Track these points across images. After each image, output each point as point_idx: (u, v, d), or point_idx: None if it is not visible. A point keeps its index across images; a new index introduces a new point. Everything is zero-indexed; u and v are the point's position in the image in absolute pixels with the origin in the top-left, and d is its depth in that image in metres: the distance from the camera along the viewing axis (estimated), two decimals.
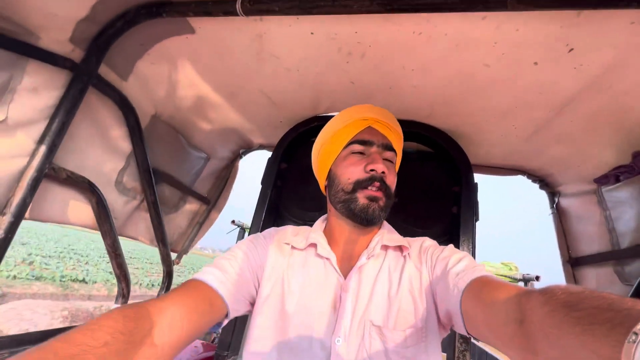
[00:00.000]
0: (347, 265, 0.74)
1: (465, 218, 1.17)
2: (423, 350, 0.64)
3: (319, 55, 1.01)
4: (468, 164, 1.24)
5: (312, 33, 0.92)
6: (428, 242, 0.77)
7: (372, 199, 0.70)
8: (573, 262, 1.25)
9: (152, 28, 0.98)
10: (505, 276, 3.86)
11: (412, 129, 1.27)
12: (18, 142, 0.81)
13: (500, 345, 0.44)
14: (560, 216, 1.34)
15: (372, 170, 0.71)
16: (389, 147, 0.76)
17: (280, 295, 0.71)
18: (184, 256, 1.63)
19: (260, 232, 0.84)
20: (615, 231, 1.02)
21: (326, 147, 0.80)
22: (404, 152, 1.42)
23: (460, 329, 0.58)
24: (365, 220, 0.71)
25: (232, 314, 0.67)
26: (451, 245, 0.73)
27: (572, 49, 0.79)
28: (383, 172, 0.71)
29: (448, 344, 1.08)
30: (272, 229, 0.84)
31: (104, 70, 0.98)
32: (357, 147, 0.75)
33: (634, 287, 0.93)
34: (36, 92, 0.82)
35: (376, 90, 1.13)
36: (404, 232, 0.84)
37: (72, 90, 0.88)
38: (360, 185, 0.71)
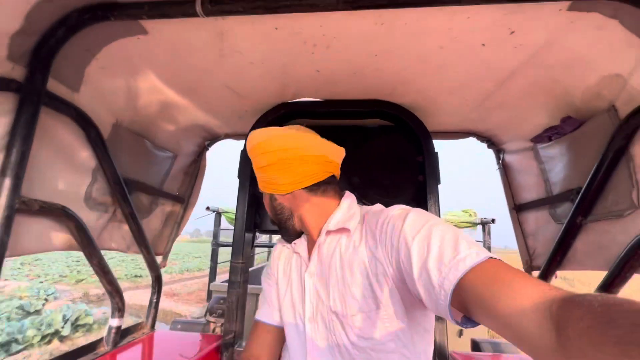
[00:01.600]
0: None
1: (430, 184, 1.32)
2: (389, 333, 0.65)
3: (283, 48, 1.00)
4: (427, 132, 1.36)
5: (276, 28, 0.92)
6: (383, 216, 0.70)
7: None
8: (517, 208, 1.49)
9: (97, 32, 0.90)
10: (467, 222, 4.34)
11: (374, 107, 1.35)
12: None
13: (532, 355, 0.40)
14: (505, 170, 1.55)
15: None
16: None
17: (281, 290, 0.89)
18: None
19: (245, 223, 1.21)
20: (549, 181, 1.24)
21: None
22: (369, 128, 1.52)
23: (451, 321, 0.54)
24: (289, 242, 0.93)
25: None
26: (411, 216, 0.64)
27: (513, 32, 0.90)
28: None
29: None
30: (276, 246, 1.00)
31: (53, 85, 0.89)
32: None
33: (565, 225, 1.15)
34: None
35: (341, 76, 1.17)
36: (378, 202, 0.88)
37: (24, 114, 0.80)
38: None
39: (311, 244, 0.85)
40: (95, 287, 11.15)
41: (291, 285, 0.85)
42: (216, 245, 4.20)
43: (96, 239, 1.17)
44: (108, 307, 1.24)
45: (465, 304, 0.49)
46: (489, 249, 4.09)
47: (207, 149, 1.75)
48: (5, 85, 0.77)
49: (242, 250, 1.32)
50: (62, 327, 5.93)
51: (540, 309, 0.38)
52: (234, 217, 1.48)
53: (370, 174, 1.45)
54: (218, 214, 3.96)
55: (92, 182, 1.08)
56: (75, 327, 6.23)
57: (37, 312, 7.31)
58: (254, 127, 1.40)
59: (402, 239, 0.61)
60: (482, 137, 1.58)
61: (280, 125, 1.46)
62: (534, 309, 0.39)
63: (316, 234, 0.82)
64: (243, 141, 1.40)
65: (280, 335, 0.89)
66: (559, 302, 0.37)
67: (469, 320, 0.52)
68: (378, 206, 0.81)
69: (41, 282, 11.77)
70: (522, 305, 0.40)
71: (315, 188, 0.82)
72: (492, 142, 1.57)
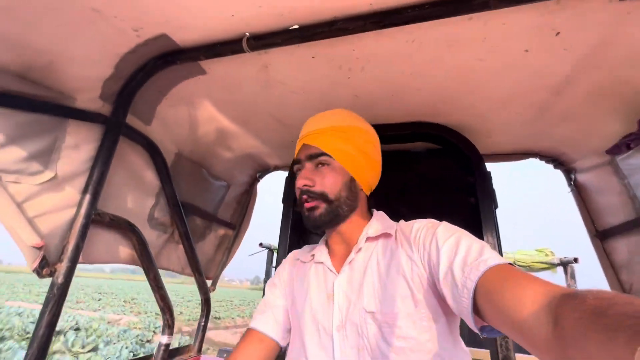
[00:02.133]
0: (342, 263, 0.81)
1: (484, 207, 1.20)
2: (427, 333, 0.64)
3: (321, 75, 1.08)
4: (478, 154, 1.27)
5: (313, 57, 1.00)
6: (417, 224, 0.75)
7: (309, 210, 0.78)
8: (601, 236, 1.25)
9: (167, 75, 1.08)
10: (542, 262, 3.74)
11: (418, 129, 1.33)
12: (66, 194, 0.90)
13: (531, 348, 0.42)
14: (579, 192, 1.34)
15: (298, 187, 0.80)
16: (315, 155, 0.80)
17: (294, 303, 0.84)
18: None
19: (288, 249, 1.03)
20: (637, 198, 1.03)
21: None
22: (413, 152, 1.47)
23: (472, 325, 0.55)
24: (313, 227, 0.80)
25: (284, 343, 0.85)
26: (444, 224, 0.71)
27: (558, 33, 0.84)
28: (306, 185, 0.78)
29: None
30: (287, 257, 0.98)
31: (130, 119, 1.08)
32: (296, 168, 0.86)
33: None
34: (77, 148, 0.92)
35: (379, 98, 1.19)
36: None
37: (107, 142, 0.98)
38: (299, 201, 0.81)
39: (338, 253, 0.84)
40: (185, 324, 13.34)
41: (310, 298, 0.80)
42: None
43: (154, 258, 1.29)
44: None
45: (480, 304, 0.51)
46: None
47: (259, 181, 1.86)
48: (95, 118, 0.96)
49: None
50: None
51: (541, 303, 0.41)
52: None
53: (417, 201, 1.38)
54: (270, 251, 4.05)
55: (155, 204, 1.23)
56: None
57: (149, 341, 9.90)
58: None
59: (433, 242, 0.66)
60: (546, 157, 1.42)
61: None
62: (535, 302, 0.42)
63: (351, 241, 0.82)
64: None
65: (272, 350, 0.83)
66: (558, 297, 0.40)
67: (487, 329, 0.55)
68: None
69: (147, 317, 14.23)
70: (524, 299, 0.44)
71: (369, 201, 0.88)
72: (559, 162, 1.39)
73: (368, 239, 0.79)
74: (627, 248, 1.12)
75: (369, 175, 0.83)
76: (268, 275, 4.18)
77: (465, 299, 0.53)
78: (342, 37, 0.89)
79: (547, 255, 3.84)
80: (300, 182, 0.78)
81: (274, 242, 4.17)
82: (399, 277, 0.69)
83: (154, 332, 10.92)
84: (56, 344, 7.61)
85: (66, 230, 0.89)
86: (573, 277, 3.46)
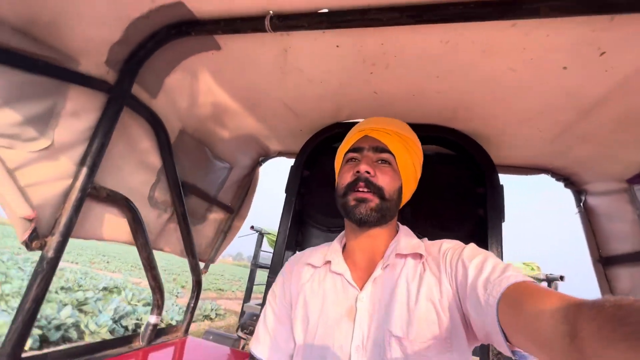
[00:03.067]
0: (364, 277, 0.76)
1: (492, 220, 1.17)
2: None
3: (342, 67, 1.02)
4: (492, 165, 1.23)
5: (337, 46, 0.93)
6: (446, 244, 0.74)
7: (360, 200, 0.73)
8: (604, 262, 1.24)
9: (179, 46, 1.01)
10: (528, 276, 3.81)
11: (432, 132, 1.28)
12: (62, 165, 0.84)
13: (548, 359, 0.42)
14: (588, 215, 1.32)
15: (357, 172, 0.74)
16: (380, 149, 0.78)
17: (304, 314, 0.76)
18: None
19: (287, 239, 0.99)
20: None
21: (335, 162, 0.90)
22: (425, 156, 1.43)
23: (501, 346, 0.53)
24: (358, 221, 0.73)
25: None
26: (471, 245, 0.70)
27: (603, 52, 0.79)
28: (368, 172, 0.73)
29: (481, 349, 1.08)
30: (290, 260, 0.91)
31: (136, 90, 1.01)
32: (351, 155, 0.81)
33: None
34: (77, 116, 0.86)
35: (399, 98, 1.14)
36: (431, 236, 0.85)
37: (109, 112, 0.92)
38: (349, 188, 0.75)
39: (361, 264, 0.78)
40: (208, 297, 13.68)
41: (326, 313, 0.74)
42: (255, 266, 4.23)
43: (154, 239, 1.25)
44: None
45: (503, 322, 0.51)
46: None
47: (261, 165, 1.81)
48: (99, 85, 0.89)
49: (282, 266, 1.29)
50: (211, 312, 9.11)
51: (558, 315, 0.40)
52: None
53: (422, 205, 1.35)
54: (261, 235, 4.05)
55: (156, 182, 1.17)
56: (216, 314, 9.25)
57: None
58: (308, 145, 1.42)
59: (460, 262, 0.66)
60: (558, 175, 1.39)
61: (332, 144, 1.47)
62: (553, 315, 0.41)
63: (377, 250, 0.78)
64: (294, 159, 1.43)
65: None
66: (575, 308, 0.38)
67: (519, 354, 0.55)
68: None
69: (166, 283, 14.70)
70: (543, 313, 0.43)
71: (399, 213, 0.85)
72: (570, 181, 1.37)
73: (397, 255, 0.75)
74: (630, 278, 1.12)
75: (410, 189, 0.83)
76: (256, 258, 4.19)
77: (489, 316, 0.53)
78: (373, 28, 0.83)
79: (533, 269, 3.90)
80: (363, 167, 0.74)
81: (264, 226, 4.16)
82: (428, 303, 0.66)
83: (176, 296, 11.14)
84: (119, 295, 8.13)
85: (59, 203, 0.84)
86: None
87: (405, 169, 0.79)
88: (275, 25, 0.86)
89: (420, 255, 0.74)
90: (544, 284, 3.69)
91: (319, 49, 0.95)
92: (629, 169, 1.06)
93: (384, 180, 0.75)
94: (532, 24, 0.75)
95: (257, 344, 0.80)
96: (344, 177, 0.78)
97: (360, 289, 0.73)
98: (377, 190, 0.74)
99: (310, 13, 0.83)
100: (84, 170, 0.87)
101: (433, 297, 0.67)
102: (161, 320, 1.26)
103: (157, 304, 1.23)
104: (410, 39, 0.86)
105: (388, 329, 0.66)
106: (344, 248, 0.85)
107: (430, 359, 0.62)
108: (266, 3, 0.83)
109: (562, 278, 3.58)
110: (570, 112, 1.01)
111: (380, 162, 0.78)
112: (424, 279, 0.70)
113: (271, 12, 0.85)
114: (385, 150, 0.78)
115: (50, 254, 0.80)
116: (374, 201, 0.73)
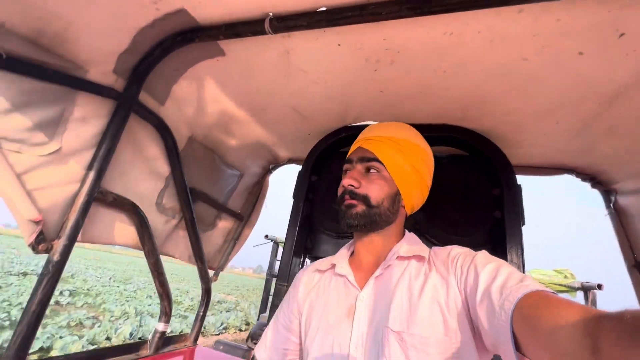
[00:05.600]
0: (366, 278, 0.78)
1: (510, 222, 1.09)
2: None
3: (346, 67, 1.00)
4: (509, 164, 1.17)
5: (339, 45, 0.93)
6: (457, 249, 0.73)
7: (347, 207, 0.78)
8: None
9: (185, 54, 1.03)
10: (561, 285, 3.52)
11: (443, 132, 1.23)
12: (70, 169, 0.86)
13: None
14: (619, 216, 1.22)
15: (343, 185, 0.80)
16: (367, 159, 0.81)
17: (309, 317, 0.80)
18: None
19: (295, 245, 1.03)
20: None
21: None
22: (437, 158, 1.38)
23: (508, 355, 0.51)
24: (346, 225, 0.78)
25: None
26: (483, 252, 0.69)
27: (622, 34, 0.73)
28: (351, 185, 0.78)
29: None
30: (303, 271, 0.93)
31: (143, 97, 1.04)
32: (345, 167, 0.86)
33: None
34: (85, 122, 0.88)
35: (406, 96, 1.11)
36: (446, 241, 0.81)
37: (117, 118, 0.94)
38: (340, 199, 0.81)
39: (365, 266, 0.80)
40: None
41: (327, 313, 0.77)
42: (270, 275, 4.18)
43: (161, 245, 1.25)
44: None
45: (517, 332, 0.49)
46: None
47: (271, 172, 1.81)
48: (107, 92, 0.92)
49: (289, 272, 1.26)
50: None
51: (579, 327, 0.39)
52: None
53: (436, 209, 1.29)
54: (275, 244, 4.03)
55: (164, 188, 1.19)
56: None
57: (229, 310, 12.03)
58: (315, 149, 1.40)
59: (472, 267, 0.64)
60: (583, 175, 1.29)
61: (340, 148, 1.45)
62: (573, 326, 0.40)
63: (381, 254, 0.80)
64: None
65: None
66: (596, 320, 0.38)
67: None
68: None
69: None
70: (562, 322, 0.42)
71: (407, 220, 0.86)
72: (597, 181, 1.27)
73: (399, 257, 0.76)
74: None
75: (415, 194, 0.82)
76: (272, 267, 4.15)
77: (502, 322, 0.51)
78: (373, 23, 0.81)
79: (566, 277, 3.59)
80: (346, 182, 0.79)
81: (279, 235, 4.14)
82: (433, 303, 0.65)
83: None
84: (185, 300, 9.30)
85: (67, 207, 0.85)
86: (594, 304, 3.22)
87: (399, 173, 0.79)
88: (275, 27, 0.86)
89: (424, 258, 0.74)
90: (580, 294, 3.42)
91: (321, 48, 0.94)
92: None
93: (369, 188, 0.78)
94: (541, 7, 0.71)
95: (259, 347, 0.88)
96: (339, 189, 0.84)
97: (361, 289, 0.75)
98: (363, 199, 0.77)
99: (308, 12, 0.82)
100: (92, 175, 0.89)
101: (439, 297, 0.66)
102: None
103: (165, 311, 1.22)
104: (412, 32, 0.84)
105: (387, 326, 0.66)
106: (352, 254, 0.88)
107: (434, 358, 0.60)
108: (265, 5, 0.84)
109: (600, 287, 3.26)
110: (592, 103, 0.94)
111: (371, 170, 0.80)
112: (430, 278, 0.69)
113: (271, 14, 0.86)
114: (372, 159, 0.80)
115: (56, 257, 0.81)
116: (360, 207, 0.77)
